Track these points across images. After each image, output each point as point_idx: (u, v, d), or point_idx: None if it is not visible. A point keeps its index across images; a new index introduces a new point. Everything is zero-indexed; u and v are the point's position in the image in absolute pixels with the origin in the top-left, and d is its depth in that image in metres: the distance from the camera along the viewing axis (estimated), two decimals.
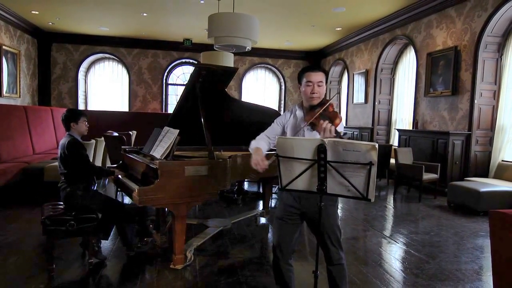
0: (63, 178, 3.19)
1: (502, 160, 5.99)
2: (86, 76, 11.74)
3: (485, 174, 6.16)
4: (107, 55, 11.57)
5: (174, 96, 12.51)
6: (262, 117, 4.19)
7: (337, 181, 1.67)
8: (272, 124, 2.36)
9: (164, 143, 3.20)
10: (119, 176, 3.37)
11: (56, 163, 5.81)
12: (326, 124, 1.92)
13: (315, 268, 1.90)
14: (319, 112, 2.04)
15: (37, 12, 8.81)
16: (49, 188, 5.39)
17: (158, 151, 3.17)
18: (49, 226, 2.83)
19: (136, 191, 2.71)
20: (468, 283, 3.01)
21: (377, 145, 1.56)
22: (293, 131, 2.24)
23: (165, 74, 11.93)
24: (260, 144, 2.24)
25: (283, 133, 2.32)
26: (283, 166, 1.74)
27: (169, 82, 12.29)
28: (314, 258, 3.28)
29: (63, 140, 3.16)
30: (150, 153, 3.28)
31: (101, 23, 9.66)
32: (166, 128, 3.35)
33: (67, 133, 3.22)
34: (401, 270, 3.28)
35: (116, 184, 3.47)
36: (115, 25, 9.82)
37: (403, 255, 3.65)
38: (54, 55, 11.10)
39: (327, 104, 2.06)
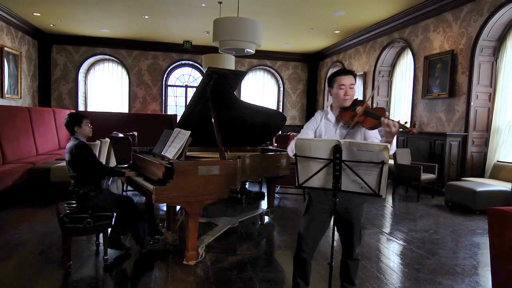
0: (73, 181, 3.24)
1: (498, 161, 6.16)
2: (86, 77, 11.81)
3: (481, 174, 6.33)
4: (107, 57, 11.65)
5: (173, 97, 12.61)
6: (266, 119, 4.35)
7: (351, 179, 1.81)
8: (304, 129, 2.39)
9: (176, 144, 3.32)
10: (132, 176, 3.48)
11: (63, 164, 5.93)
12: (388, 120, 2.03)
13: (330, 260, 2.03)
14: (362, 110, 2.15)
15: (39, 14, 8.89)
16: (55, 189, 5.50)
17: (171, 151, 3.29)
18: (67, 223, 2.93)
19: (153, 190, 2.82)
20: (467, 277, 3.16)
21: (389, 146, 1.70)
22: (328, 133, 2.32)
23: (165, 75, 12.03)
24: (310, 132, 2.34)
25: (315, 136, 2.37)
26: (301, 165, 1.87)
27: (168, 84, 12.39)
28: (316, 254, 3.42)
29: (70, 144, 3.23)
30: (162, 153, 3.39)
31: (102, 25, 9.75)
32: (177, 130, 3.47)
33: (72, 136, 3.28)
34: (403, 265, 3.42)
35: (129, 183, 3.58)
36: (116, 27, 9.92)
37: (405, 251, 3.79)
38: (55, 56, 11.16)
39: (366, 103, 2.20)
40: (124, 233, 3.41)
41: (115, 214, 3.21)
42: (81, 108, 11.48)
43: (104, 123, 9.19)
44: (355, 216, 2.25)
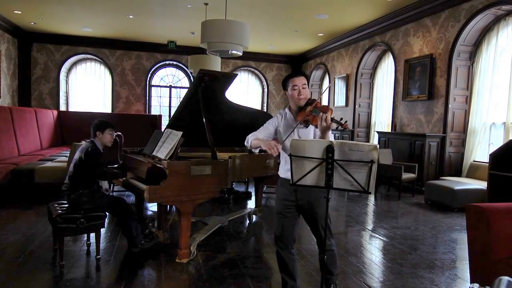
0: (68, 182, 3.25)
1: (474, 161, 6.45)
2: (67, 76, 11.61)
3: (459, 174, 6.61)
4: (89, 56, 11.49)
5: (157, 98, 12.54)
6: (254, 120, 4.41)
7: (342, 177, 1.92)
8: (265, 124, 2.60)
9: (167, 144, 3.38)
10: (129, 178, 3.51)
11: (47, 164, 5.86)
12: (321, 114, 2.16)
13: (322, 253, 2.15)
14: (310, 109, 2.29)
15: (19, 12, 8.70)
16: (40, 190, 5.44)
17: (162, 152, 3.34)
18: (60, 223, 2.94)
19: (147, 189, 2.87)
20: (447, 271, 3.33)
21: (378, 146, 1.82)
22: (287, 132, 2.48)
23: (149, 75, 11.96)
24: (261, 136, 2.50)
25: (275, 133, 2.57)
26: (295, 164, 1.97)
27: (152, 84, 12.32)
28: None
29: (85, 145, 3.31)
30: (154, 154, 3.44)
31: (84, 23, 9.63)
32: (168, 130, 3.52)
33: (91, 139, 3.37)
34: (387, 260, 3.58)
35: (124, 184, 3.60)
36: (99, 26, 9.81)
37: (388, 247, 3.96)
38: (35, 55, 10.93)
39: (316, 102, 2.33)
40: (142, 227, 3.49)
41: (107, 214, 3.23)
42: (62, 108, 11.28)
43: (87, 123, 9.05)
44: (318, 209, 2.40)
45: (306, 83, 2.44)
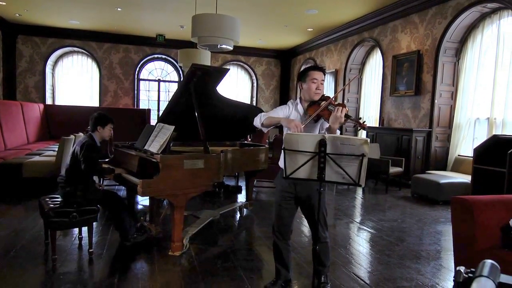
0: (64, 175, 3.27)
1: (458, 155, 6.62)
2: (53, 70, 11.42)
3: (444, 168, 6.77)
4: (76, 49, 11.32)
5: (145, 91, 12.44)
6: (246, 114, 4.46)
7: (334, 170, 1.98)
8: (276, 109, 2.60)
9: (159, 138, 3.39)
10: (121, 173, 3.51)
11: (35, 159, 5.80)
12: (338, 107, 2.23)
13: (316, 244, 2.21)
14: (326, 105, 2.34)
15: (4, 3, 8.51)
16: (28, 184, 5.38)
17: (154, 146, 3.36)
18: (52, 218, 2.94)
19: (140, 183, 2.89)
20: (433, 261, 3.45)
21: (368, 140, 1.88)
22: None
23: (137, 69, 11.85)
24: (281, 114, 2.52)
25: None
26: (288, 157, 2.02)
27: (141, 78, 12.21)
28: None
29: (82, 139, 3.31)
30: (145, 148, 3.45)
31: (71, 16, 9.48)
32: (160, 124, 3.53)
33: (89, 133, 3.36)
34: (375, 251, 3.68)
35: (114, 178, 3.59)
36: (86, 18, 9.66)
37: (376, 239, 4.06)
38: (20, 47, 10.72)
39: (331, 98, 2.39)
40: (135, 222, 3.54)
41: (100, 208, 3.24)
42: (49, 101, 11.10)
43: (74, 117, 8.99)
44: (317, 202, 2.44)
45: (324, 79, 2.49)
